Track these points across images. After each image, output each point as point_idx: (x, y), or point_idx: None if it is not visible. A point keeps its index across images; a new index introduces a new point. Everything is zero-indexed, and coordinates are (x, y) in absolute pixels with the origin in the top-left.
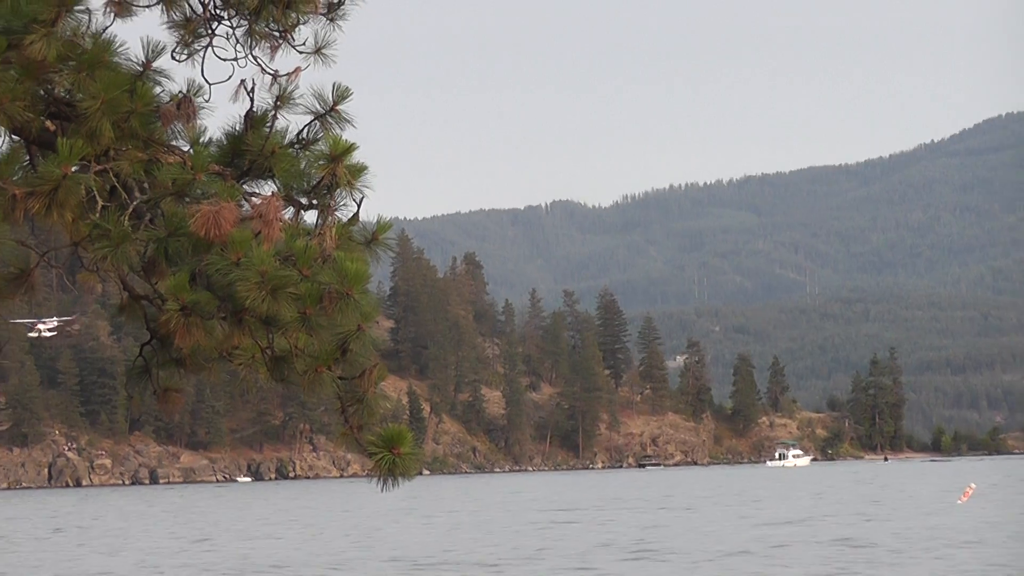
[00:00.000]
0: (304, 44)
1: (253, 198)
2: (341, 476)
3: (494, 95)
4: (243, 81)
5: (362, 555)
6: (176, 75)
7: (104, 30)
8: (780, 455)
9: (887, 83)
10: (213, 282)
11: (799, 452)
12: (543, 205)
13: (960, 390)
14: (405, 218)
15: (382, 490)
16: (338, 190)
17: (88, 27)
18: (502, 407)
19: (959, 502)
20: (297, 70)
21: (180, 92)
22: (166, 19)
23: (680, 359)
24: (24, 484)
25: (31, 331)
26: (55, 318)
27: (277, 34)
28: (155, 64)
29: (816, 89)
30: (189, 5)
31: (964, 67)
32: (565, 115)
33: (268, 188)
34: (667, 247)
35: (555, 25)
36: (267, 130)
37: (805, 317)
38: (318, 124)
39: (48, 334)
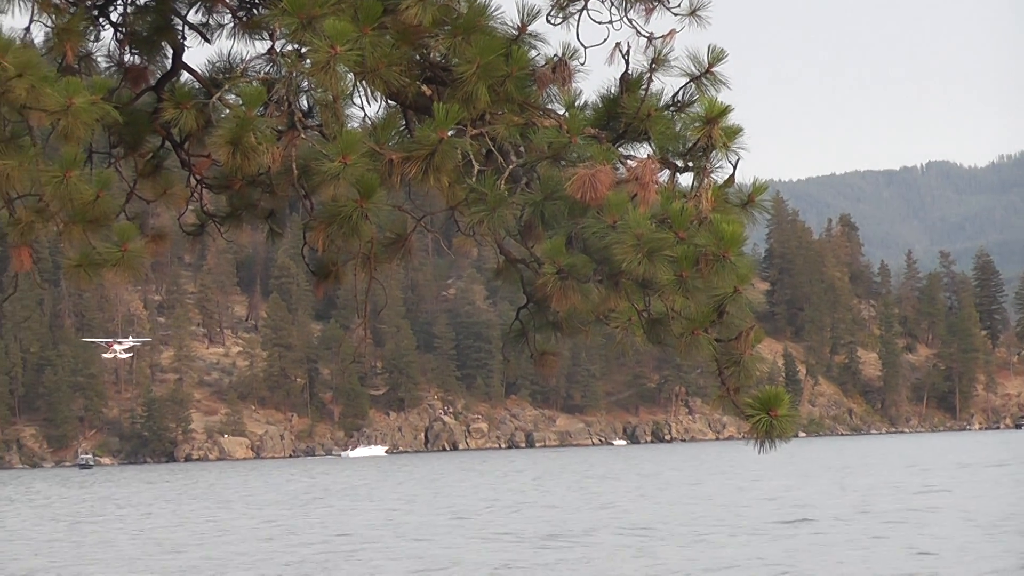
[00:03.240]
0: (679, 6)
1: (629, 161)
2: (717, 439)
3: (869, 55)
4: (618, 44)
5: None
6: (551, 38)
7: None
8: None
9: None
10: (589, 245)
11: None
12: (918, 166)
13: None
14: (780, 180)
15: (759, 452)
16: (714, 152)
17: None
18: (878, 369)
19: None
20: (672, 32)
21: (555, 55)
22: None
23: None
24: (401, 448)
25: (106, 352)
26: (131, 338)
27: None
28: (530, 28)
29: None
30: None
31: None
32: (939, 75)
33: (643, 151)
34: None
35: None
36: (642, 93)
37: None
38: (693, 86)
39: (124, 355)
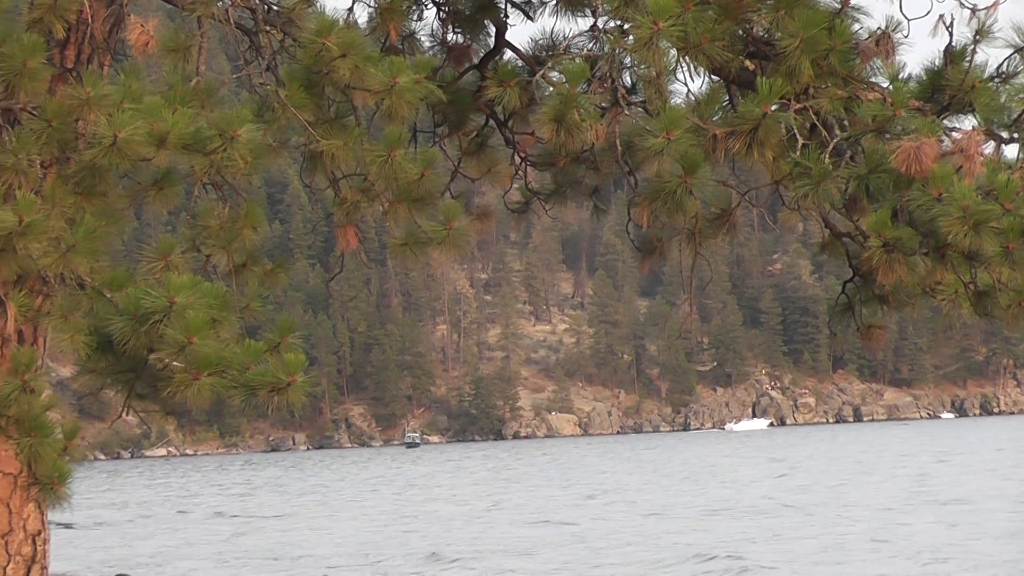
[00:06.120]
0: None
1: (953, 133)
2: None
3: None
4: (941, 16)
5: None
6: (874, 11)
7: None
8: None
9: None
10: (915, 218)
11: None
12: None
13: None
14: None
15: None
16: None
17: None
18: None
19: None
20: (996, 4)
21: (878, 28)
22: None
23: None
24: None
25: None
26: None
27: None
28: (853, 1)
29: None
30: None
31: None
32: None
33: (968, 123)
34: None
35: None
36: (966, 64)
37: None
38: (1018, 57)
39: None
